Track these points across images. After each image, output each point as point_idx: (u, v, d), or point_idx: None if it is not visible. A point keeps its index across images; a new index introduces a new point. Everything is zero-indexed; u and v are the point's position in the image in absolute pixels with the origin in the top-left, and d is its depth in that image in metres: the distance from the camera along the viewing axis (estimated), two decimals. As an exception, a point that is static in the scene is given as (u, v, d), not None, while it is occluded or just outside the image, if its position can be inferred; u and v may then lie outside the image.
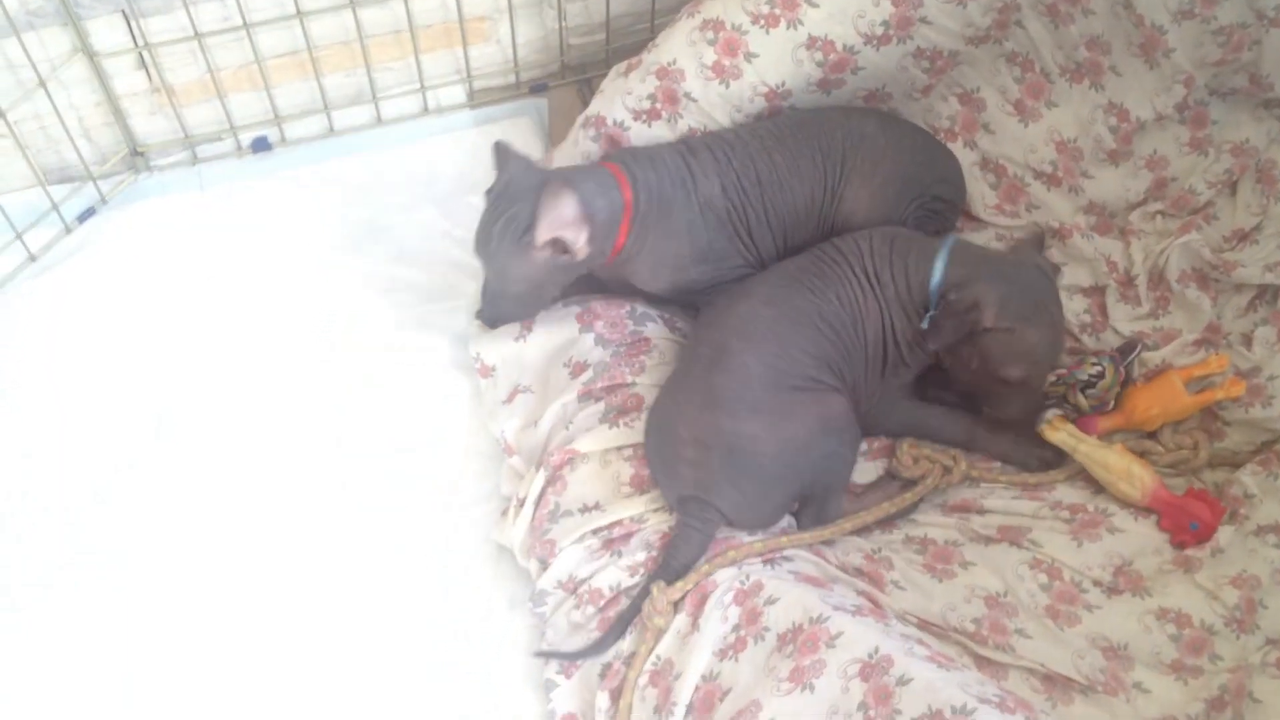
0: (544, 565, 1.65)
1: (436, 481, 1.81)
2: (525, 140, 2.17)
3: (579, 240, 1.66)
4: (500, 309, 1.77)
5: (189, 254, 2.05)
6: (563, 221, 1.63)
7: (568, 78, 2.27)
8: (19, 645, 1.62)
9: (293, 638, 1.64)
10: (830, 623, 1.45)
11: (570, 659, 1.60)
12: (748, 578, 1.54)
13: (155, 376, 1.90)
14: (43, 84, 1.95)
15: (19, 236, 2.01)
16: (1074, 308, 1.89)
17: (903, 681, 1.37)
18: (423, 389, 1.89)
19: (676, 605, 1.56)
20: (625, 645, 1.58)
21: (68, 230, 2.07)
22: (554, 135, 2.18)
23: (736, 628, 1.51)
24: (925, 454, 1.74)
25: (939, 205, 1.86)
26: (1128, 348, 1.79)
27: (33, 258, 2.03)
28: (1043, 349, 1.67)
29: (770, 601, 1.51)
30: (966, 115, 1.97)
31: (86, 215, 2.09)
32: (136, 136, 2.11)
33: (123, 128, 2.09)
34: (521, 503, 1.71)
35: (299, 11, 2.02)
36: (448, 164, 2.16)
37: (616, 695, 1.55)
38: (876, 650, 1.41)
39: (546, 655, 1.61)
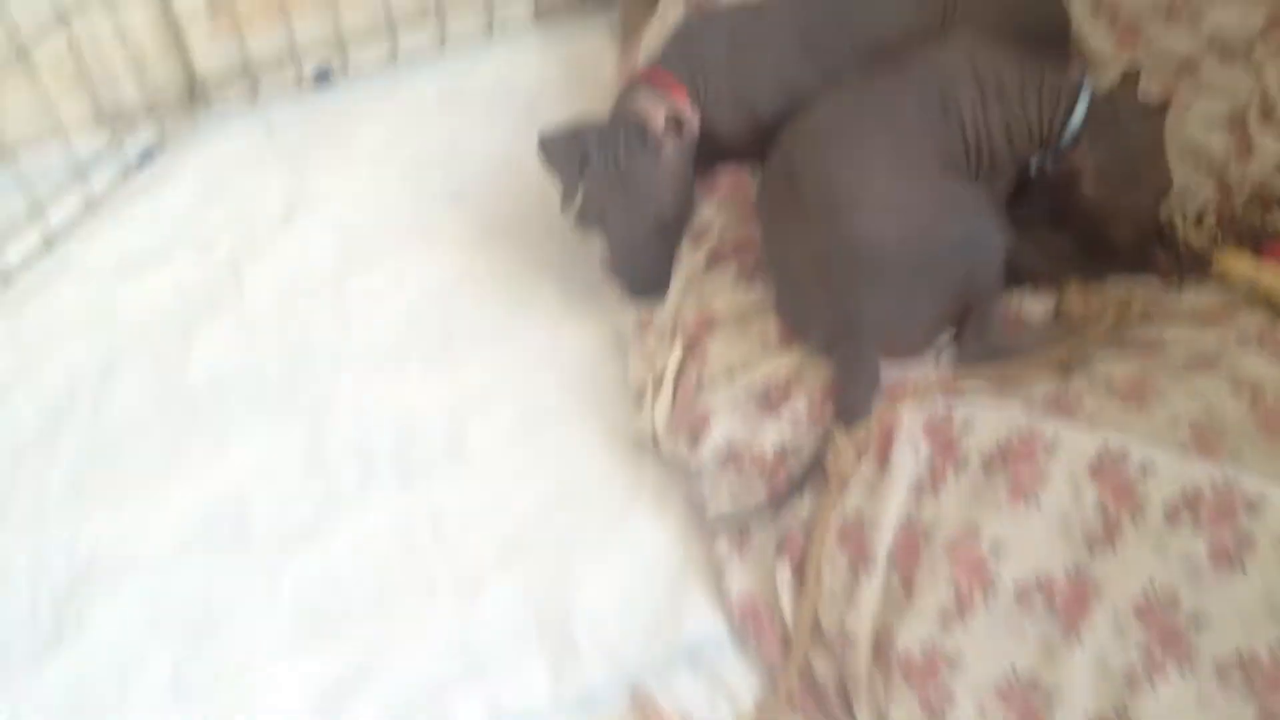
0: (696, 439, 1.49)
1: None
2: (596, 51, 2.08)
3: (685, 107, 1.61)
4: (639, 258, 1.66)
5: (256, 197, 1.92)
6: (658, 101, 1.62)
7: (637, -15, 2.15)
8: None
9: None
10: (1043, 430, 1.29)
11: (746, 517, 1.44)
12: (934, 410, 1.38)
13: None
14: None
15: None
16: (1215, 142, 1.75)
17: (1146, 469, 1.21)
18: (532, 298, 1.80)
19: (859, 451, 1.39)
20: (802, 511, 1.41)
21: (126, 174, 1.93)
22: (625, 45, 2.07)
23: (930, 460, 1.35)
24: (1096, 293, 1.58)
25: (1040, 49, 1.74)
26: None
27: (89, 205, 1.88)
28: (1145, 207, 1.57)
29: (966, 428, 1.34)
30: (1078, -41, 1.86)
31: (145, 158, 1.95)
32: (195, 68, 1.97)
33: (181, 58, 1.94)
34: (659, 380, 1.55)
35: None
36: (517, 81, 2.06)
37: (800, 564, 1.38)
38: (1105, 445, 1.24)
39: (720, 520, 1.46)
